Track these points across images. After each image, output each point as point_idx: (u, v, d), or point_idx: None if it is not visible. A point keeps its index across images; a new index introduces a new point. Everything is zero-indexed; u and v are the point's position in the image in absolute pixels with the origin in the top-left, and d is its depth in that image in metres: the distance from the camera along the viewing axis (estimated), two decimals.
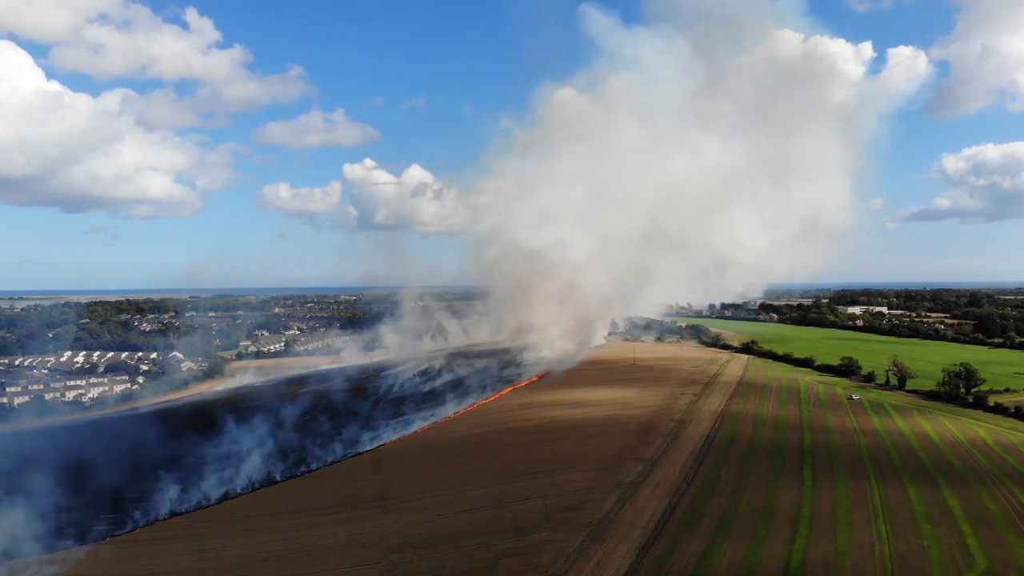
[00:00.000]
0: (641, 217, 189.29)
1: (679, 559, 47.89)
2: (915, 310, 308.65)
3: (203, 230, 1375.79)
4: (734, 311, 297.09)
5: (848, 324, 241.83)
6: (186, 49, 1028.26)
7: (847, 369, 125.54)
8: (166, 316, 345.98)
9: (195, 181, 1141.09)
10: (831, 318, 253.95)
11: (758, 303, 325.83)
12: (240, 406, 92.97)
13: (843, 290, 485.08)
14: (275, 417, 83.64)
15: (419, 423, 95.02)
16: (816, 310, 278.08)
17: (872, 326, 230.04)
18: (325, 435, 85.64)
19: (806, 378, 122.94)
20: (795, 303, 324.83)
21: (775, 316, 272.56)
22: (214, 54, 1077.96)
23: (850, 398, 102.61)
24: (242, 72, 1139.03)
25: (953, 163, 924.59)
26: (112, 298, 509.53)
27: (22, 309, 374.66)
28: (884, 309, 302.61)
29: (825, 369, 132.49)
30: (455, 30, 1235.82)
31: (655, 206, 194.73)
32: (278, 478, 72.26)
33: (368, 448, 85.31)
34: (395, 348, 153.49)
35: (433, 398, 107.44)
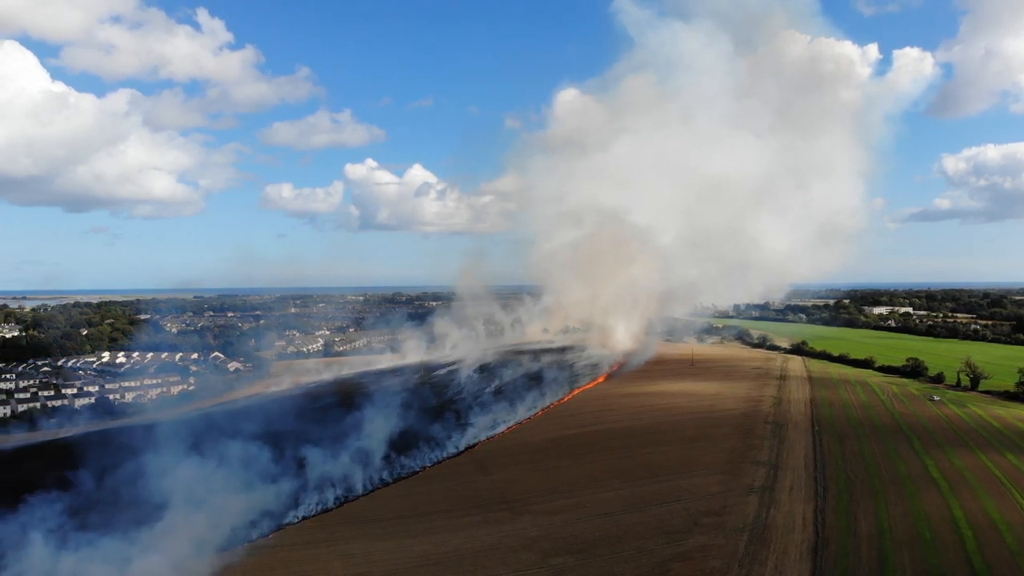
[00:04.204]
0: (681, 216, 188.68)
1: (857, 564, 47.03)
2: (938, 310, 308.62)
3: (205, 230, 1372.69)
4: (760, 312, 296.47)
5: (881, 324, 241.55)
6: (198, 50, 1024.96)
7: (913, 370, 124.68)
8: (186, 316, 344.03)
9: (198, 181, 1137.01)
10: (862, 318, 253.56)
11: (779, 304, 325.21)
12: (323, 402, 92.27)
13: (852, 290, 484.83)
14: (371, 412, 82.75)
15: (502, 424, 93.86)
16: (846, 310, 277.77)
17: (907, 326, 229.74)
18: (426, 431, 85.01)
19: (874, 379, 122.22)
20: (821, 303, 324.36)
21: (804, 317, 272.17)
22: (225, 55, 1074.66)
23: (931, 399, 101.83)
24: (252, 73, 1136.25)
25: (953, 164, 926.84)
26: (118, 298, 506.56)
27: (32, 309, 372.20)
28: (910, 310, 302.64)
29: (888, 370, 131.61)
30: (464, 31, 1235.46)
31: (695, 206, 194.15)
32: (389, 479, 71.15)
33: (461, 449, 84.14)
34: (453, 346, 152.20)
35: (504, 398, 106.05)
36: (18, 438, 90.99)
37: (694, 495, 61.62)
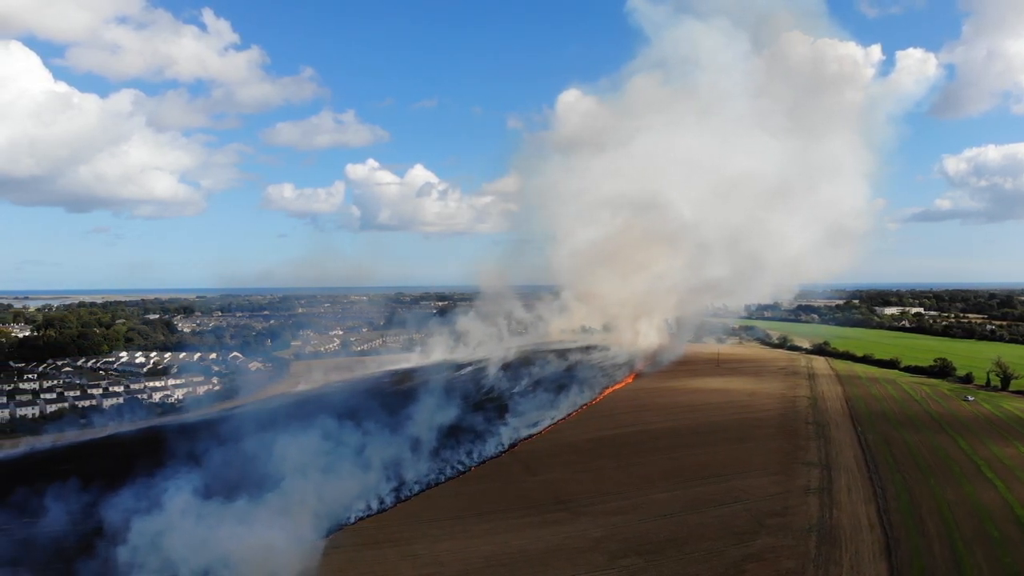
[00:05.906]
0: (701, 215, 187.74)
1: (932, 564, 46.97)
2: (948, 311, 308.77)
3: (206, 230, 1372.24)
4: (772, 312, 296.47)
5: (895, 325, 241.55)
6: (203, 51, 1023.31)
7: (941, 371, 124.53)
8: (195, 316, 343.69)
9: (200, 181, 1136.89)
10: (875, 319, 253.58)
11: (789, 304, 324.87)
12: (362, 399, 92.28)
13: (857, 290, 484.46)
14: (411, 410, 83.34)
15: (540, 423, 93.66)
16: (858, 311, 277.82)
17: (922, 327, 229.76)
18: (469, 426, 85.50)
19: (902, 379, 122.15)
20: (831, 304, 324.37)
21: (816, 317, 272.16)
22: (231, 55, 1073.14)
23: (965, 399, 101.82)
24: (258, 73, 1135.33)
25: (954, 164, 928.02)
26: (121, 298, 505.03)
27: (37, 309, 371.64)
28: (921, 310, 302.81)
29: (914, 370, 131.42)
30: (468, 32, 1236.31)
31: (714, 205, 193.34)
32: (440, 478, 71.12)
33: (504, 449, 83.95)
34: (477, 344, 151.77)
35: (538, 396, 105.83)
36: (71, 436, 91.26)
37: (752, 496, 61.49)
